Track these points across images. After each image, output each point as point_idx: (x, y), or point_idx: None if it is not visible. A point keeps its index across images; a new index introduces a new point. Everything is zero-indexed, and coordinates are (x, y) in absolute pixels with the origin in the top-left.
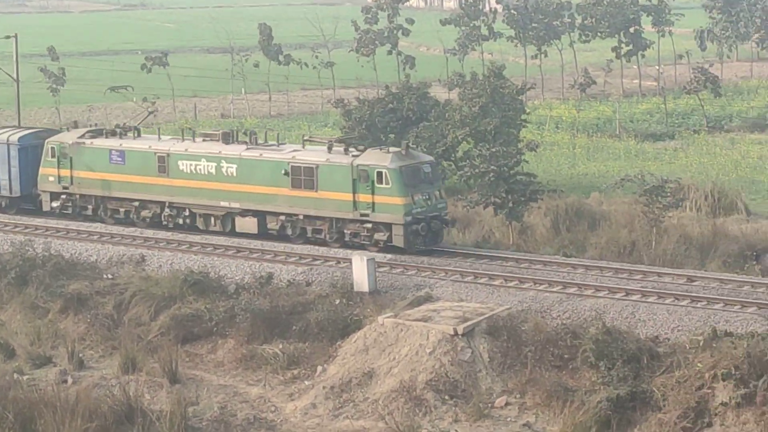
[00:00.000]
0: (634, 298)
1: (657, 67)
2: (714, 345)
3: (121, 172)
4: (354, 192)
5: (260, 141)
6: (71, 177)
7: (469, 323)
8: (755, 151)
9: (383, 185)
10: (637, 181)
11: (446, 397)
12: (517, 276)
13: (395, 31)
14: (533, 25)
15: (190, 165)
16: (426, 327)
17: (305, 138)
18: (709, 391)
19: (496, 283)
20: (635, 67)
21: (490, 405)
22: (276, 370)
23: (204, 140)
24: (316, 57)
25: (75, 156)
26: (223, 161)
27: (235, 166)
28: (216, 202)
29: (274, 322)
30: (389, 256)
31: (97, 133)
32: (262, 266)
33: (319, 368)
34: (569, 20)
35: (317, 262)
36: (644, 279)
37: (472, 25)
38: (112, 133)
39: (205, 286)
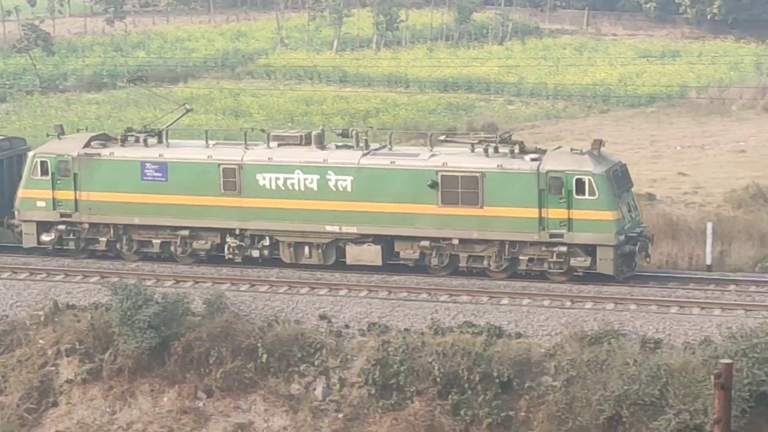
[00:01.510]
0: None
1: None
2: (56, 319)
3: (160, 191)
4: (541, 206)
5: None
6: (76, 201)
7: None
8: (92, 111)
9: (585, 196)
10: None
11: None
12: None
13: None
14: None
15: (277, 179)
16: None
17: (440, 137)
18: (54, 368)
19: None
20: None
21: None
22: None
23: (280, 145)
24: None
25: (84, 172)
26: (330, 172)
27: (350, 178)
28: (318, 226)
29: None
30: None
31: (105, 140)
32: None
33: None
34: None
35: None
36: None
37: None
38: (123, 140)
39: None
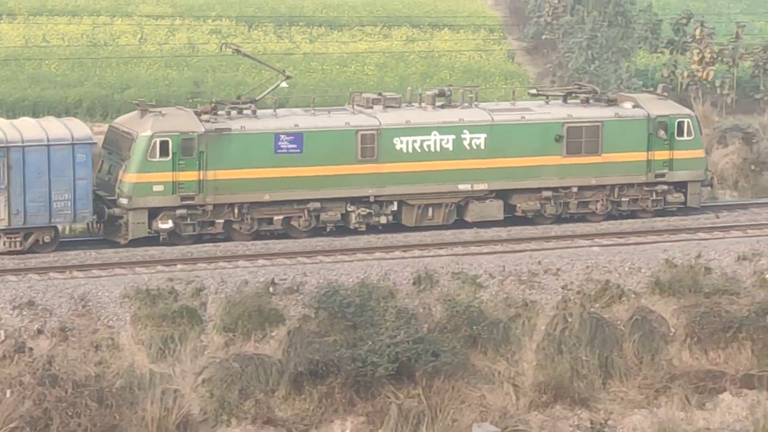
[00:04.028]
0: None
1: None
2: None
3: (294, 164)
4: (649, 150)
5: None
6: (200, 182)
7: None
8: None
9: (684, 138)
10: None
11: None
12: None
13: None
14: None
15: (413, 142)
16: None
17: (531, 91)
18: None
19: None
20: None
21: None
22: None
23: (387, 107)
24: None
25: (211, 149)
26: (465, 131)
27: (483, 135)
28: (451, 186)
29: None
30: None
31: (209, 114)
32: None
33: None
34: None
35: None
36: None
37: None
38: (228, 112)
39: None
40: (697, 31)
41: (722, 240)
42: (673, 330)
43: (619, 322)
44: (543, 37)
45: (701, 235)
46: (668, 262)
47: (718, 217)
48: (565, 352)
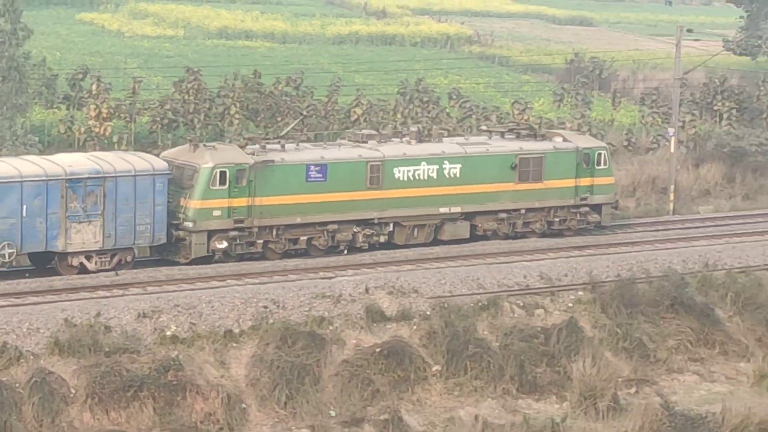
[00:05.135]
0: None
1: None
2: None
3: (320, 191)
4: (576, 177)
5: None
6: (249, 207)
7: None
8: None
9: (602, 166)
10: None
11: None
12: None
13: None
14: None
15: (408, 171)
16: None
17: (482, 127)
18: None
19: None
20: None
21: None
22: None
23: (381, 142)
24: None
25: (259, 179)
26: (445, 162)
27: (459, 165)
28: (433, 209)
29: None
30: None
31: (251, 147)
32: None
33: None
34: None
35: None
36: None
37: None
38: (263, 146)
39: None
40: (94, 87)
41: (122, 298)
42: (73, 391)
43: (17, 385)
44: None
45: (101, 293)
46: (67, 321)
47: (117, 275)
48: None
